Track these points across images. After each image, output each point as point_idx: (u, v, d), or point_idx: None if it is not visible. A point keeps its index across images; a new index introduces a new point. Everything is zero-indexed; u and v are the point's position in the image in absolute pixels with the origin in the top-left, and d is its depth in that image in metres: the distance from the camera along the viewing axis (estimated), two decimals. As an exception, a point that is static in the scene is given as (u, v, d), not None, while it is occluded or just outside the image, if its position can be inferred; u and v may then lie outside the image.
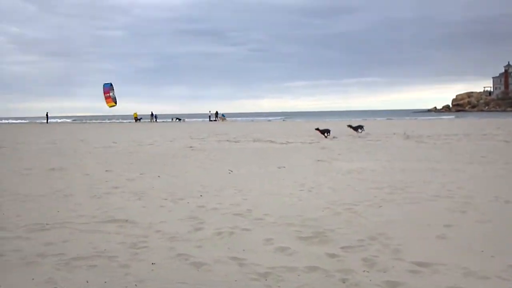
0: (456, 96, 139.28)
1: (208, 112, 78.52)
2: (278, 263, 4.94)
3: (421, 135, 25.05)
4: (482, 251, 5.29)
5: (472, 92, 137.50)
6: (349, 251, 5.34)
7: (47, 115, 78.36)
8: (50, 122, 75.67)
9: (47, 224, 6.76)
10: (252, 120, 76.98)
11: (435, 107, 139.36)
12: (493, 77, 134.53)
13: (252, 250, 5.43)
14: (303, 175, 11.23)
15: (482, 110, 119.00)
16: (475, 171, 11.39)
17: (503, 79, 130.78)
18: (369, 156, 15.53)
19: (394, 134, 26.78)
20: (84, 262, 5.09)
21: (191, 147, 20.39)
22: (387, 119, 67.29)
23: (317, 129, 26.73)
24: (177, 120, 74.40)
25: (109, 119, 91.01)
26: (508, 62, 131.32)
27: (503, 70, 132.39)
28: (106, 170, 12.65)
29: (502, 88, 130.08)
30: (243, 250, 5.43)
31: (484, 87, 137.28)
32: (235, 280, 4.50)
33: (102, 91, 33.13)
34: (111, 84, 28.30)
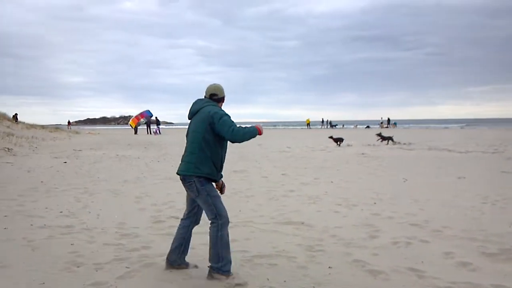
0: None
1: (380, 119, 76.94)
2: (460, 279, 4.70)
3: None
4: None
5: None
6: (543, 273, 4.87)
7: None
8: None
9: (230, 222, 7.30)
10: (427, 127, 73.34)
11: None
12: None
13: (431, 262, 5.25)
14: (486, 187, 10.44)
15: None
16: None
17: None
18: None
19: None
20: (265, 260, 5.40)
21: (363, 153, 20.23)
22: None
23: (331, 137, 26.41)
24: (331, 126, 73.93)
25: (284, 125, 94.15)
26: None
27: None
28: (282, 174, 13.23)
29: None
30: (422, 261, 5.27)
31: None
32: (414, 291, 4.40)
33: (140, 113, 33.58)
34: (151, 115, 29.45)
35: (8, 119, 34.81)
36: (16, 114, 40.17)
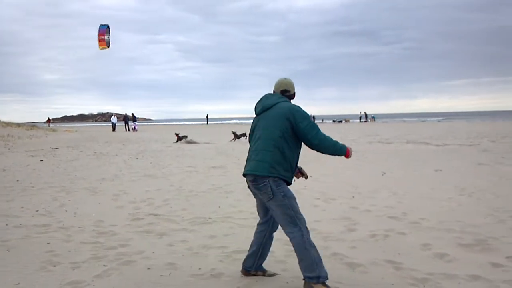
0: None
1: (359, 113, 77.55)
2: (437, 270, 4.76)
3: None
4: None
5: None
6: (517, 262, 4.96)
7: (207, 116, 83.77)
8: (210, 123, 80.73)
9: (209, 218, 7.30)
10: (405, 121, 74.15)
11: None
12: None
13: (409, 254, 5.31)
14: (463, 179, 10.60)
15: None
16: None
17: None
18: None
19: None
20: (244, 255, 5.35)
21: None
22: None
23: (234, 132, 26.98)
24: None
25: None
26: None
27: None
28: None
29: None
30: (399, 253, 5.33)
31: None
32: (392, 284, 4.44)
33: (97, 33, 30.43)
34: (108, 27, 26.56)
35: (-17, 117, 34.04)
36: None
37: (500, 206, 7.59)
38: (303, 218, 4.25)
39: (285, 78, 4.56)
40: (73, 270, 4.92)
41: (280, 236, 6.11)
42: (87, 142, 26.93)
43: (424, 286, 4.37)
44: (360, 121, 72.21)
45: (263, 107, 4.42)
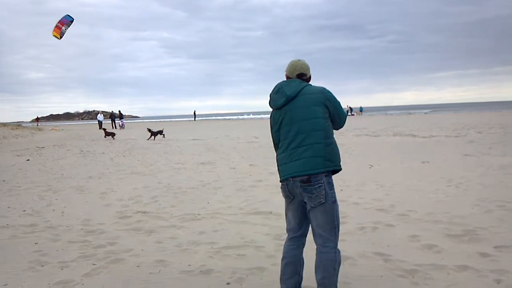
0: None
1: (347, 107, 77.84)
2: (425, 261, 4.79)
3: None
4: None
5: None
6: (504, 251, 4.99)
7: (194, 113, 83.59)
8: (197, 120, 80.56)
9: (198, 214, 7.28)
10: (391, 114, 74.55)
11: None
12: None
13: (397, 246, 5.33)
14: (450, 170, 10.68)
15: None
16: None
17: None
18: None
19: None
20: (233, 251, 5.39)
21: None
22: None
23: (149, 130, 27.15)
24: None
25: (248, 115, 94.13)
26: None
27: None
28: (250, 164, 13.23)
29: None
30: (388, 245, 5.35)
31: None
32: (381, 276, 4.46)
33: (58, 20, 29.47)
34: (72, 20, 25.95)
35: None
36: None
37: (487, 197, 7.65)
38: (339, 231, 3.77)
39: (299, 60, 3.92)
40: (62, 269, 4.88)
41: (270, 231, 6.16)
42: (73, 141, 26.72)
43: (413, 277, 4.40)
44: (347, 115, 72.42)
45: (288, 97, 3.74)
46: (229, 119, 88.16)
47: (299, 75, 3.85)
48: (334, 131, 3.81)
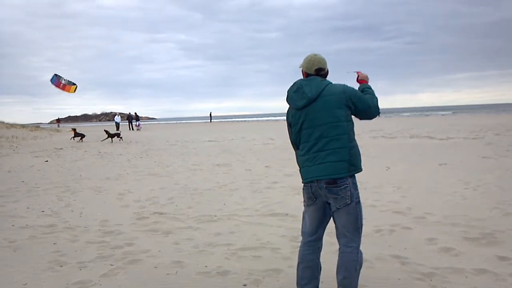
0: None
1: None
2: (443, 264, 4.76)
3: None
4: None
5: None
6: (523, 255, 4.94)
7: (210, 114, 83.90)
8: (213, 121, 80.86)
9: (215, 215, 7.31)
10: (408, 116, 74.00)
11: None
12: None
13: (414, 249, 5.30)
14: (467, 172, 10.57)
15: None
16: None
17: None
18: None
19: None
20: (250, 252, 5.40)
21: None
22: None
23: (106, 131, 26.97)
24: None
25: (266, 117, 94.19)
26: None
27: None
28: (266, 166, 13.23)
29: None
30: (405, 248, 5.32)
31: None
32: (398, 279, 4.43)
33: (55, 86, 29.24)
34: (55, 75, 26.03)
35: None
36: None
37: (506, 199, 7.56)
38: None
39: (315, 54, 3.77)
40: (80, 269, 4.94)
41: (286, 232, 6.16)
42: (91, 142, 26.98)
43: (430, 280, 4.37)
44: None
45: (309, 99, 3.60)
46: (245, 120, 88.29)
47: (317, 70, 3.70)
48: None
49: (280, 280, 4.51)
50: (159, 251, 5.54)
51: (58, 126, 68.28)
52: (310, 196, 3.70)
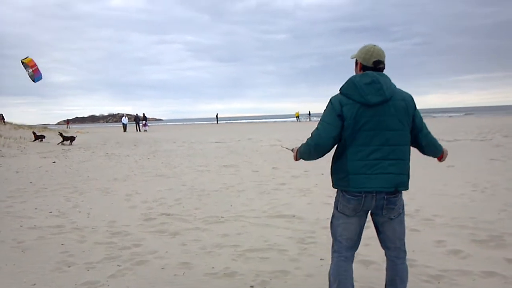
0: None
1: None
2: (451, 266, 4.74)
3: None
4: None
5: None
6: (532, 258, 4.91)
7: (217, 116, 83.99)
8: (220, 123, 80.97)
9: (222, 217, 7.32)
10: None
11: None
12: None
13: (422, 251, 5.28)
14: (475, 174, 10.53)
15: None
16: None
17: None
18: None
19: None
20: (257, 254, 5.40)
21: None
22: None
23: (61, 134, 26.76)
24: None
25: (273, 119, 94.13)
26: None
27: None
28: (273, 168, 13.24)
29: None
30: (413, 251, 5.29)
31: None
32: (406, 281, 4.42)
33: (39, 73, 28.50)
34: (26, 68, 26.31)
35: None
36: (1, 114, 39.86)
37: (514, 202, 7.52)
38: None
39: (374, 45, 3.32)
40: (88, 270, 4.96)
41: (293, 234, 6.16)
42: (98, 143, 27.08)
43: (439, 282, 4.36)
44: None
45: (386, 99, 3.17)
46: (252, 122, 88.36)
47: (375, 63, 3.25)
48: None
49: (287, 282, 4.51)
50: (167, 252, 5.56)
51: (68, 127, 68.90)
52: (357, 207, 3.33)
